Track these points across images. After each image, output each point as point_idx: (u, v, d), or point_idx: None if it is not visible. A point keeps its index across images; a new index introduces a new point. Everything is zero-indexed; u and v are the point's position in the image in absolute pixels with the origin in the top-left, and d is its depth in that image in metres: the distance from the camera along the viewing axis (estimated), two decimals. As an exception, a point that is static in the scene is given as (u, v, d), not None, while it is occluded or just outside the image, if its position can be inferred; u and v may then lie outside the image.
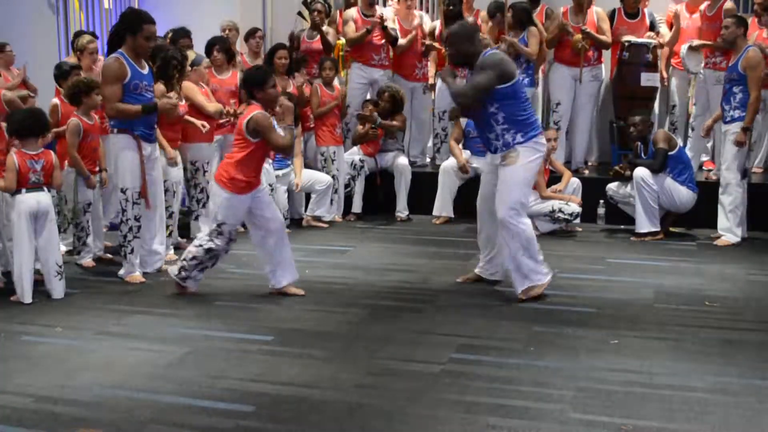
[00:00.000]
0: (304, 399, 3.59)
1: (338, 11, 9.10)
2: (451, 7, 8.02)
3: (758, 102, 6.63)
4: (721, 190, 6.79)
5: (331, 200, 7.63)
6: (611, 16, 8.09)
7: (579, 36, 7.87)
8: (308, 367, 3.97)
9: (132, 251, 5.55)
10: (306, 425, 3.34)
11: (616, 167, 7.29)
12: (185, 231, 6.84)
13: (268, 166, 6.99)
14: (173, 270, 5.24)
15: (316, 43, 8.27)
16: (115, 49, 5.36)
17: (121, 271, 5.63)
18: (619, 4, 8.16)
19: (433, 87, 8.72)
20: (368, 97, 8.31)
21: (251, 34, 8.08)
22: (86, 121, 5.87)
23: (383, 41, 8.30)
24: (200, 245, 5.15)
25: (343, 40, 8.53)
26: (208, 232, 5.17)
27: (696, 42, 7.55)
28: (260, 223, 5.18)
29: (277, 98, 5.25)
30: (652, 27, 8.11)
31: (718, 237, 6.81)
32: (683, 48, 7.60)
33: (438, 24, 8.37)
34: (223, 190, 5.03)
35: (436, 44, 8.28)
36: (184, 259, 5.19)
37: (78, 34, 7.46)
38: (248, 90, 5.08)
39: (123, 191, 5.47)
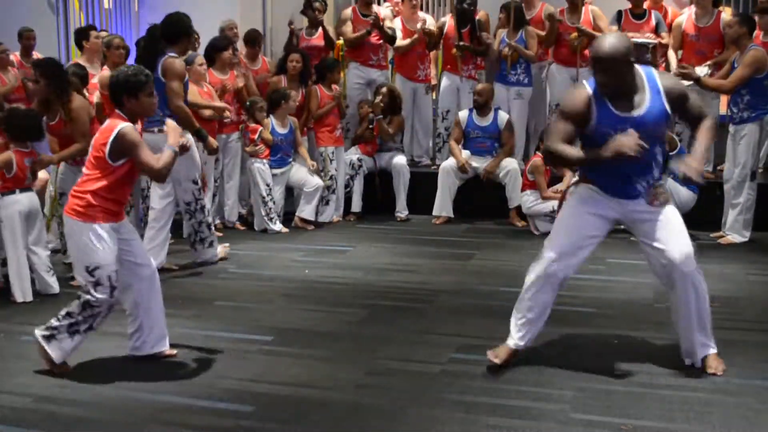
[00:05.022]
0: (304, 399, 3.60)
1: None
2: (464, 6, 7.96)
3: (728, 88, 6.46)
4: (733, 191, 6.69)
5: (328, 201, 7.60)
6: (618, 17, 8.05)
7: (575, 35, 7.86)
8: (308, 367, 3.97)
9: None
10: (306, 425, 3.34)
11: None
12: (178, 230, 6.81)
13: (263, 166, 7.12)
14: (38, 331, 3.91)
15: (316, 40, 8.24)
16: (159, 51, 5.58)
17: None
18: (620, 5, 8.13)
19: (435, 88, 8.69)
20: (368, 97, 8.28)
21: (252, 41, 7.96)
22: None
23: (381, 41, 8.28)
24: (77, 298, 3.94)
25: (342, 41, 8.50)
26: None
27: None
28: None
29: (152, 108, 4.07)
30: (657, 29, 8.06)
31: (722, 236, 6.79)
32: None
33: (447, 21, 8.28)
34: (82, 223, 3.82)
35: (434, 29, 8.16)
36: (56, 316, 3.95)
37: (85, 30, 7.39)
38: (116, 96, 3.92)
39: (194, 182, 5.82)
